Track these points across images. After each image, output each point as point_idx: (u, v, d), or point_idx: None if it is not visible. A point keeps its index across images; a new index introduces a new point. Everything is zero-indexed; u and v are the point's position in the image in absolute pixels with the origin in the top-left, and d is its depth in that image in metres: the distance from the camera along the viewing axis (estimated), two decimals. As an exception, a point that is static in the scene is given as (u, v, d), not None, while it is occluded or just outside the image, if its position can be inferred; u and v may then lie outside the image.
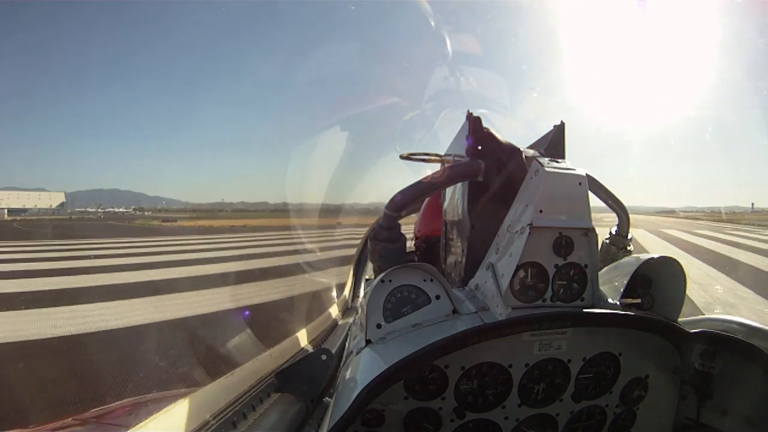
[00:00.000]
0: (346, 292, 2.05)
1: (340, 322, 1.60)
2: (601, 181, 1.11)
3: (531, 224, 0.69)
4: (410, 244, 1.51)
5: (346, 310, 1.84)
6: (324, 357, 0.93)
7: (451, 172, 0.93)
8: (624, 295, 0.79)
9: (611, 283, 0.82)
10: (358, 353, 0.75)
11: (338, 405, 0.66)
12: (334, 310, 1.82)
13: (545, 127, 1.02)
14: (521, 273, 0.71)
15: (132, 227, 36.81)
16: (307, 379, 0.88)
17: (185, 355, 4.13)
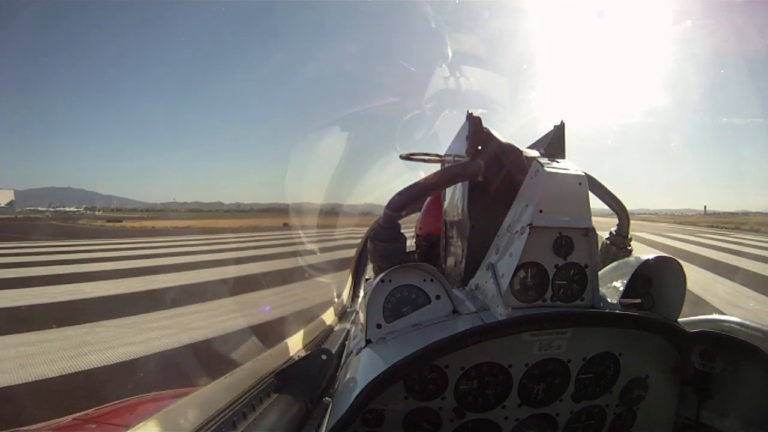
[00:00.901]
0: (346, 292, 2.04)
1: (339, 323, 1.60)
2: (601, 182, 1.11)
3: (531, 224, 0.69)
4: (410, 243, 1.51)
5: (346, 310, 1.83)
6: (324, 357, 0.93)
7: (451, 172, 0.92)
8: (624, 295, 0.79)
9: (611, 283, 0.82)
10: (358, 353, 0.75)
11: (338, 405, 0.66)
12: (334, 311, 1.81)
13: (545, 127, 1.02)
14: (521, 273, 0.71)
15: (65, 229, 33.61)
16: (307, 379, 0.88)
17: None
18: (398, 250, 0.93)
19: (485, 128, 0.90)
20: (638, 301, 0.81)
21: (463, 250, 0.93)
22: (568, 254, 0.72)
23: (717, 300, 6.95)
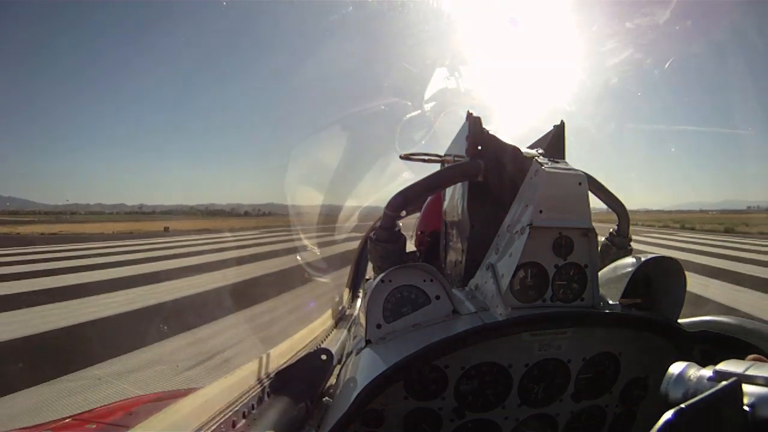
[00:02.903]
0: (346, 292, 2.05)
1: (339, 323, 1.60)
2: (600, 181, 1.11)
3: (531, 224, 0.69)
4: (411, 240, 1.51)
5: (346, 310, 1.84)
6: (324, 357, 0.93)
7: (451, 172, 0.92)
8: (624, 295, 0.79)
9: (611, 283, 0.82)
10: (358, 353, 0.75)
11: (338, 405, 0.66)
12: (334, 311, 1.82)
13: (545, 127, 1.03)
14: (521, 273, 0.71)
15: None
16: (307, 379, 0.88)
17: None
18: (398, 250, 0.93)
19: (485, 128, 0.90)
20: (638, 301, 0.81)
21: (463, 250, 0.93)
22: (568, 254, 0.72)
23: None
